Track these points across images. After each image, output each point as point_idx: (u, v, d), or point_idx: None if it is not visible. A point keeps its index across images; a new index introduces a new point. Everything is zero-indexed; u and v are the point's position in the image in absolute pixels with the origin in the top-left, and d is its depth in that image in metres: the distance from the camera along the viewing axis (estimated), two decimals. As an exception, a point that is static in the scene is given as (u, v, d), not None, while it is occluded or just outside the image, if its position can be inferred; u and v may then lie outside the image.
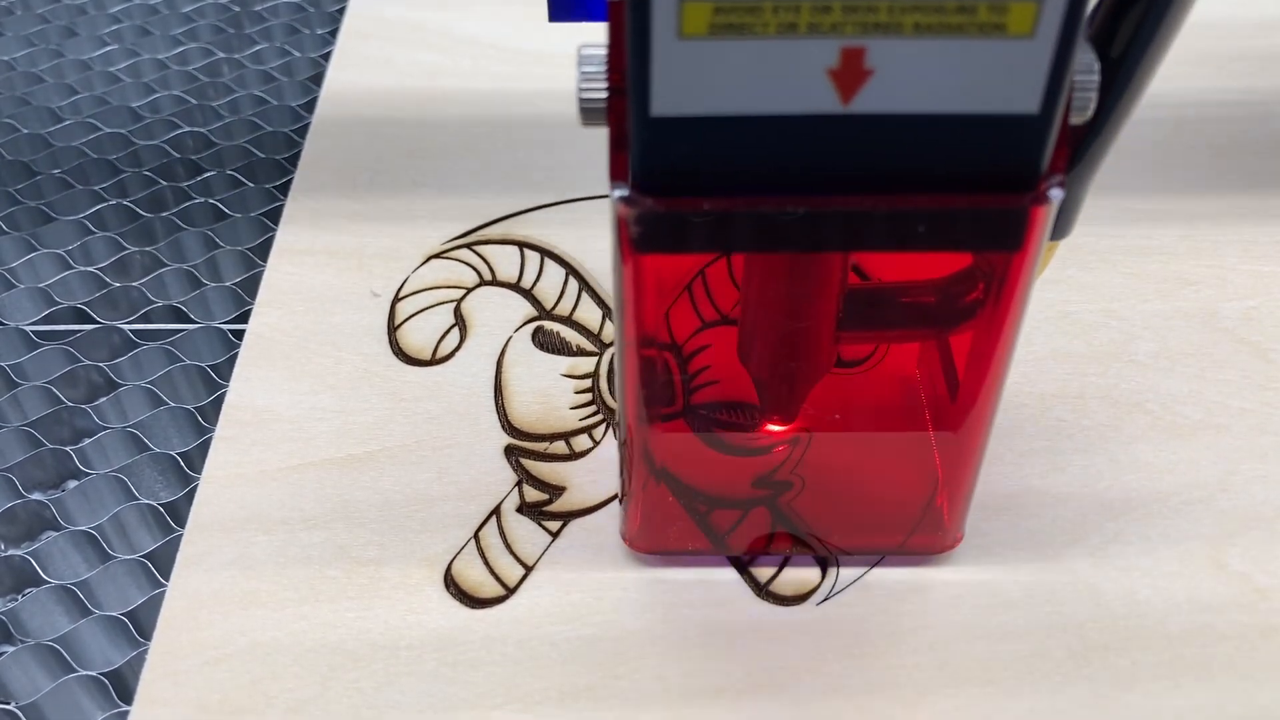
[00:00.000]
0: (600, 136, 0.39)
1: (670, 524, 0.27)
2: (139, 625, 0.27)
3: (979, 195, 0.19)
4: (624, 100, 0.18)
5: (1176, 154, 0.37)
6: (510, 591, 0.27)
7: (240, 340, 0.32)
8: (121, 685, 0.26)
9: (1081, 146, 0.21)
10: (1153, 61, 0.21)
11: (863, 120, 0.18)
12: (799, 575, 0.27)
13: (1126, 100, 0.21)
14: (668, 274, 0.23)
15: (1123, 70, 0.20)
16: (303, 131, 0.39)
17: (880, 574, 0.27)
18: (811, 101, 0.18)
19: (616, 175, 0.19)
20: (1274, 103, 0.39)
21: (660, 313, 0.23)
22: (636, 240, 0.19)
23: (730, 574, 0.27)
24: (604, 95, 0.19)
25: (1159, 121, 0.38)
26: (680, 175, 0.19)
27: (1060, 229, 0.23)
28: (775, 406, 0.26)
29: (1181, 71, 0.39)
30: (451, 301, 0.33)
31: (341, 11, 0.45)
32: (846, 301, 0.23)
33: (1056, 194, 0.19)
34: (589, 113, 0.19)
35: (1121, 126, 0.21)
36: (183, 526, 0.28)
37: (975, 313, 0.22)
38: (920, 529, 0.27)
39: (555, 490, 0.29)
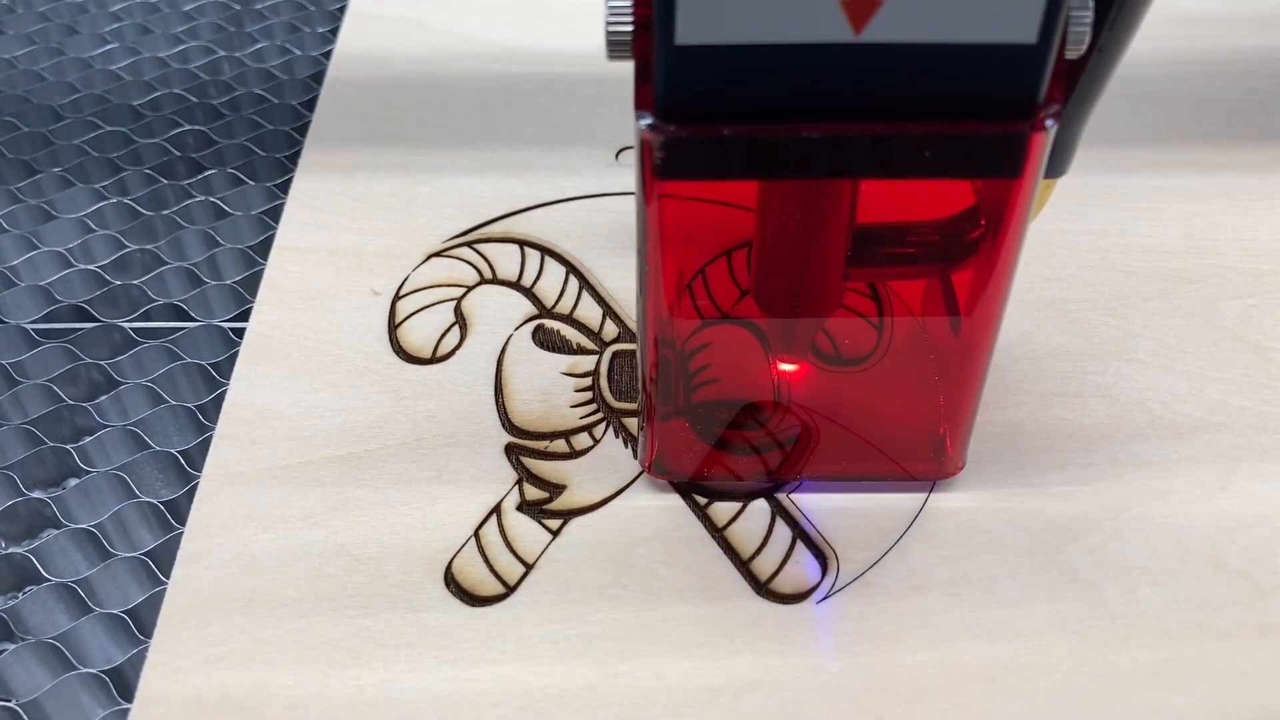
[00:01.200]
0: (598, 132, 0.39)
1: (686, 449, 0.28)
2: (139, 623, 0.27)
3: (981, 122, 0.20)
4: (648, 34, 0.20)
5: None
6: (510, 589, 0.27)
7: (241, 338, 0.32)
8: (122, 683, 0.26)
9: (1076, 84, 0.23)
10: (1142, 4, 0.22)
11: (873, 49, 0.19)
12: (799, 574, 0.27)
13: (1118, 38, 0.22)
14: (687, 215, 0.24)
15: (1115, 8, 0.22)
16: (303, 130, 0.39)
17: (878, 573, 0.27)
18: (825, 31, 0.19)
19: (641, 105, 0.20)
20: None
21: (680, 241, 0.24)
22: (660, 166, 0.21)
23: (731, 571, 0.27)
24: (630, 29, 0.20)
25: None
26: (701, 103, 0.20)
27: (1056, 167, 0.25)
28: (785, 344, 0.27)
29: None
30: (452, 300, 0.33)
31: (342, 10, 0.45)
32: (855, 239, 0.24)
33: (1053, 123, 0.20)
34: (615, 45, 0.21)
35: (1114, 67, 0.23)
36: (183, 524, 0.28)
37: (977, 249, 0.24)
38: (924, 456, 0.28)
39: (555, 488, 0.29)
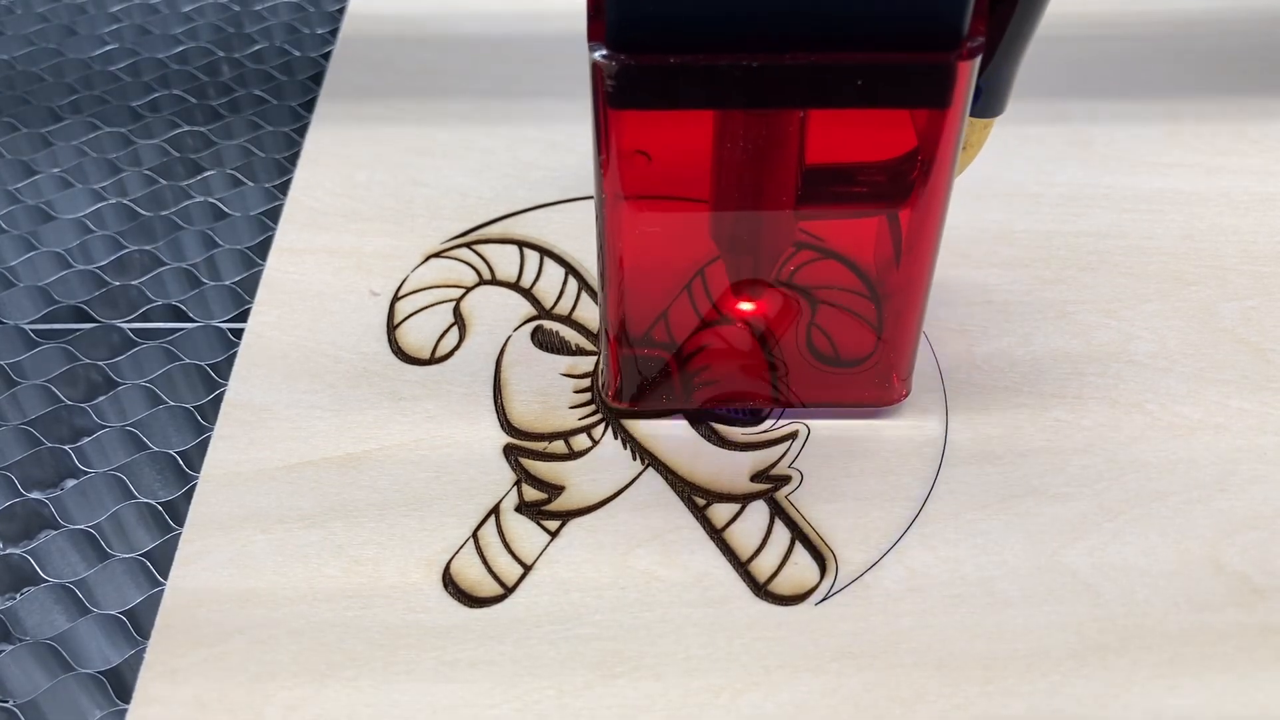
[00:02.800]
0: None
1: (645, 379, 0.29)
2: (137, 624, 0.27)
3: (911, 53, 0.22)
4: None
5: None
6: (509, 591, 0.27)
7: (239, 339, 0.32)
8: (120, 684, 0.26)
9: (1006, 23, 0.24)
10: None
11: None
12: (797, 575, 0.27)
13: None
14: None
15: None
16: (302, 131, 0.39)
17: (877, 575, 0.27)
18: None
19: (594, 37, 0.22)
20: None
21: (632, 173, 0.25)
22: (612, 94, 0.23)
23: (729, 573, 0.27)
24: None
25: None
26: (649, 33, 0.22)
27: (991, 106, 0.26)
28: (740, 279, 0.28)
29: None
30: (451, 301, 0.33)
31: (341, 11, 0.45)
32: (805, 179, 0.25)
33: (977, 54, 0.22)
34: None
35: (1042, 7, 0.24)
36: (181, 525, 0.28)
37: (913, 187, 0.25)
38: (872, 385, 0.29)
39: (554, 489, 0.29)
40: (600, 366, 0.30)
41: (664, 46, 0.22)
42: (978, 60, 0.22)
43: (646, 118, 0.24)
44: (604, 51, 0.22)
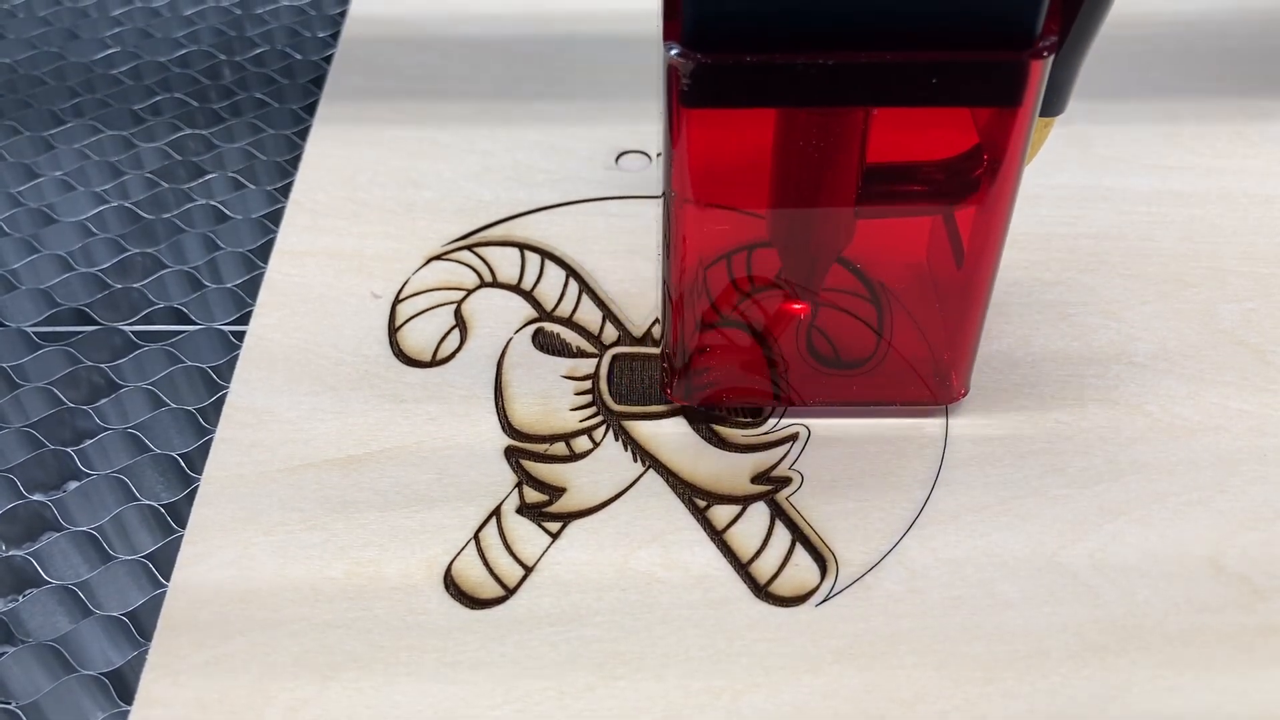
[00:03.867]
0: (598, 136, 0.39)
1: (708, 375, 0.30)
2: (139, 625, 0.27)
3: (984, 51, 0.22)
4: None
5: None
6: (510, 592, 0.27)
7: (241, 342, 0.32)
8: (122, 685, 0.26)
9: (1072, 23, 0.24)
10: None
11: None
12: (798, 576, 0.27)
13: None
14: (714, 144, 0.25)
15: None
16: (303, 134, 0.39)
17: (878, 576, 0.27)
18: None
19: (669, 37, 0.22)
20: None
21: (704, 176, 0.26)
22: (687, 93, 0.23)
23: (730, 574, 0.27)
24: None
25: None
26: (726, 33, 0.22)
27: (1054, 105, 0.26)
28: (799, 281, 0.28)
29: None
30: (452, 303, 0.33)
31: (343, 14, 0.45)
32: (866, 177, 0.25)
33: (1049, 53, 0.22)
34: None
35: (1107, 7, 0.24)
36: (183, 527, 0.28)
37: (979, 186, 0.25)
38: (929, 384, 0.29)
39: (555, 491, 0.29)
40: (663, 364, 0.30)
41: (740, 46, 0.22)
42: (1051, 59, 0.22)
43: (718, 116, 0.24)
44: (679, 50, 0.22)
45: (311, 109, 0.40)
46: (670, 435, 0.30)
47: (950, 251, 0.27)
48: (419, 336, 0.32)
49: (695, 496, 0.29)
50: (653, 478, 0.29)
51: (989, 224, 0.26)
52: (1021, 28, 0.22)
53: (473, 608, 0.27)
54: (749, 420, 0.30)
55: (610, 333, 0.32)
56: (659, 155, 0.31)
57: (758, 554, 0.27)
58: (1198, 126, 0.38)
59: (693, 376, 0.29)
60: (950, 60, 0.22)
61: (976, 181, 0.25)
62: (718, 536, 0.28)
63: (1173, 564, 0.27)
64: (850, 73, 0.22)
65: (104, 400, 0.32)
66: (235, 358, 0.32)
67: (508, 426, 0.30)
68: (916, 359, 0.29)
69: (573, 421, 0.30)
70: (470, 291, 0.34)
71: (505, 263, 0.34)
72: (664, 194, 0.26)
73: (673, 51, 0.22)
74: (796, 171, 0.25)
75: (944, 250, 0.28)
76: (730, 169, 0.26)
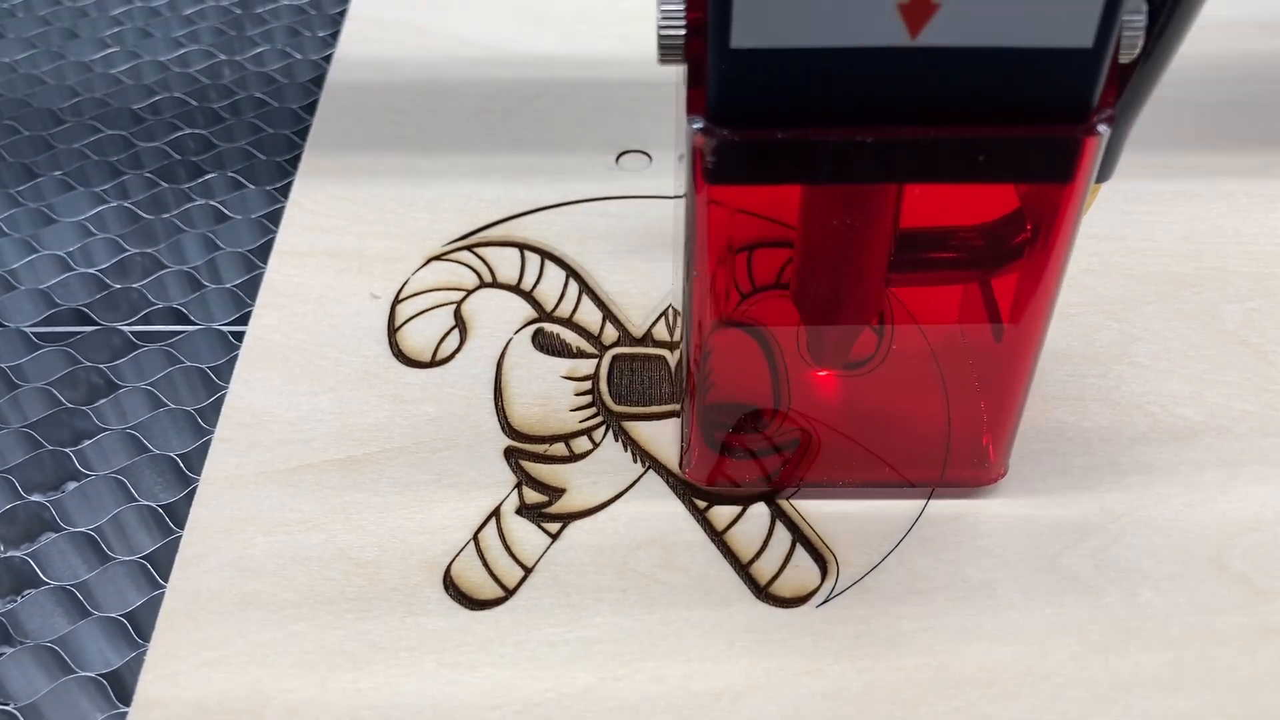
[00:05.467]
0: (598, 136, 0.39)
1: (727, 456, 0.28)
2: (138, 626, 0.27)
3: (1034, 127, 0.20)
4: (700, 38, 0.20)
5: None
6: (509, 593, 0.27)
7: (240, 342, 0.32)
8: (120, 686, 0.26)
9: (1124, 89, 0.22)
10: (1191, 11, 0.22)
11: (929, 53, 0.19)
12: (798, 577, 0.27)
13: (1168, 44, 0.22)
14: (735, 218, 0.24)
15: (1165, 14, 0.22)
16: (303, 134, 0.39)
17: (878, 577, 0.27)
18: (881, 35, 0.19)
19: (693, 109, 0.20)
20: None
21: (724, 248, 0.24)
22: (711, 170, 0.21)
23: (730, 575, 0.27)
24: (683, 32, 0.20)
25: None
26: (754, 106, 0.20)
27: (1103, 171, 0.24)
28: (823, 351, 0.27)
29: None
30: (452, 303, 0.33)
31: (342, 14, 0.45)
32: (898, 244, 0.24)
33: (1105, 128, 0.20)
34: (667, 49, 0.20)
35: (1161, 73, 0.23)
36: (182, 528, 0.28)
37: (1022, 253, 0.23)
38: (966, 463, 0.28)
39: (555, 492, 0.29)
40: (682, 445, 0.28)
41: (769, 120, 0.20)
42: (1107, 134, 0.20)
43: (744, 190, 0.23)
44: (703, 124, 0.20)
45: (311, 108, 0.40)
46: (670, 436, 0.30)
47: (987, 322, 0.26)
48: (418, 337, 0.32)
49: (695, 497, 0.28)
50: (652, 478, 0.29)
51: (1036, 299, 0.24)
52: (1077, 101, 0.20)
53: (472, 608, 0.26)
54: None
55: (610, 333, 0.32)
56: (679, 157, 0.30)
57: (758, 555, 0.27)
58: (1199, 125, 0.38)
59: (713, 454, 0.28)
60: (1000, 137, 0.20)
61: (1018, 249, 0.23)
62: (718, 537, 0.28)
63: (1175, 565, 0.27)
64: (889, 150, 0.20)
65: (103, 401, 0.32)
66: (234, 358, 0.32)
67: (507, 427, 0.30)
68: (953, 437, 0.28)
69: (572, 422, 0.30)
70: (470, 292, 0.33)
71: (505, 263, 0.34)
72: (684, 265, 0.24)
73: (696, 126, 0.20)
74: (823, 241, 0.24)
75: (980, 322, 0.26)
76: (754, 242, 0.24)
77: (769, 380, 0.27)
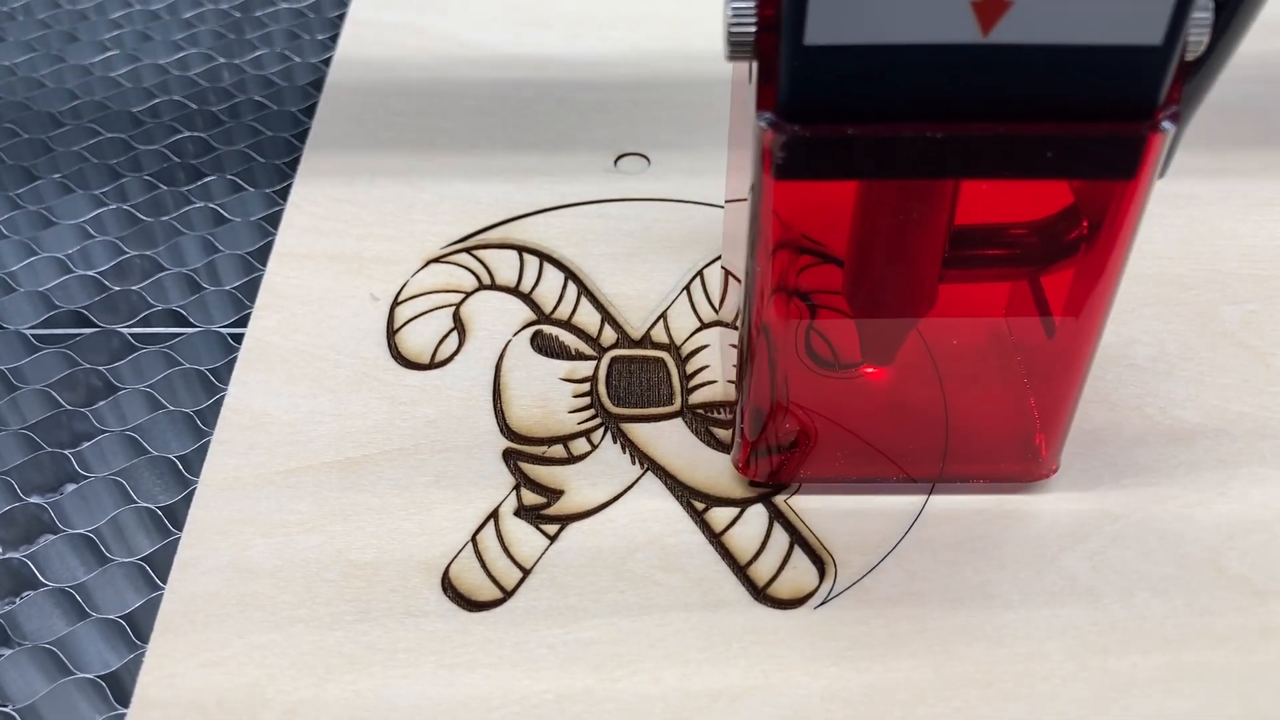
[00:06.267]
0: (597, 138, 0.39)
1: (780, 452, 0.28)
2: (136, 628, 0.27)
3: (1101, 123, 0.20)
4: (770, 34, 0.20)
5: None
6: (508, 594, 0.27)
7: (239, 344, 0.32)
8: (119, 688, 0.26)
9: (1186, 87, 0.23)
10: (1254, 7, 0.22)
11: (1000, 50, 0.20)
12: (797, 579, 0.27)
13: (1230, 41, 0.23)
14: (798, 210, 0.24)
15: (1228, 12, 0.22)
16: (302, 136, 0.39)
17: (876, 578, 0.27)
18: (954, 31, 0.19)
19: (763, 105, 0.21)
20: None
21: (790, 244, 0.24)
22: (780, 165, 0.21)
23: (728, 577, 0.27)
24: (753, 29, 0.20)
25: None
26: (825, 103, 0.20)
27: (1161, 167, 0.25)
28: (874, 349, 0.27)
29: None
30: (450, 306, 0.33)
31: (341, 17, 0.45)
32: (953, 240, 0.24)
33: (1170, 124, 0.21)
34: (737, 45, 0.21)
35: (1221, 70, 0.23)
36: (180, 530, 0.28)
37: (1077, 249, 0.24)
38: (1017, 458, 0.28)
39: (553, 494, 0.29)
40: (735, 437, 0.28)
41: (839, 116, 0.20)
42: (1172, 131, 0.21)
43: (811, 186, 0.23)
44: (773, 119, 0.21)
45: (310, 111, 0.40)
46: (668, 438, 0.30)
47: (1038, 319, 0.26)
48: (417, 339, 0.32)
49: (693, 499, 0.29)
50: (651, 480, 0.29)
51: (1094, 295, 0.24)
52: (1144, 98, 0.20)
53: (470, 610, 0.26)
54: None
55: (609, 335, 0.32)
56: (727, 152, 0.29)
57: (756, 556, 0.27)
58: (1196, 127, 0.38)
59: (772, 452, 0.28)
60: (1068, 134, 0.21)
61: (1072, 245, 0.24)
62: (716, 539, 0.28)
63: (1173, 566, 0.27)
64: (957, 146, 0.21)
65: (102, 403, 0.32)
66: (233, 360, 0.32)
67: (506, 429, 0.30)
68: (1005, 430, 0.28)
69: (571, 424, 0.30)
70: (469, 294, 0.33)
71: (504, 265, 0.34)
72: (747, 261, 0.24)
73: (765, 122, 0.21)
74: (879, 237, 0.24)
75: (1030, 315, 0.26)
76: (818, 238, 0.24)
77: (823, 377, 0.28)
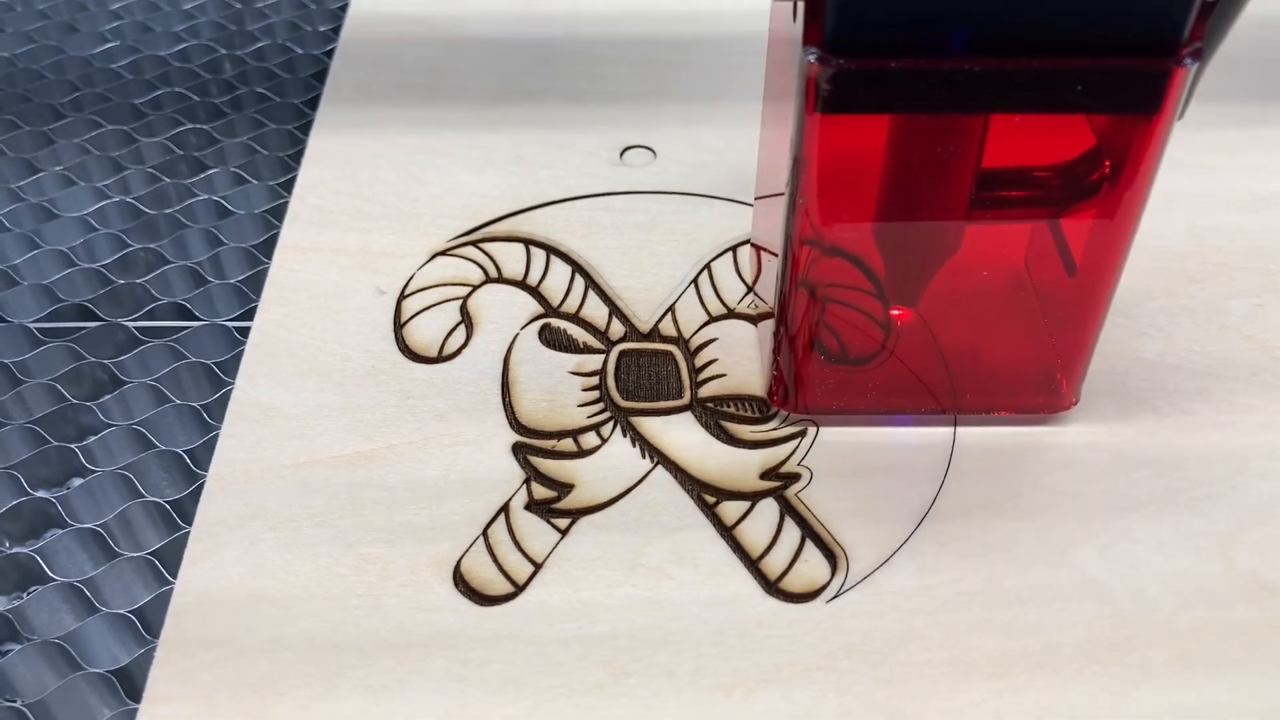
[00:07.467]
0: (606, 133, 0.39)
1: (814, 382, 0.29)
2: (146, 623, 0.27)
3: (1128, 58, 0.22)
4: None
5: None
6: (519, 589, 0.27)
7: (245, 337, 0.32)
8: (129, 683, 0.26)
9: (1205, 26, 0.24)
10: None
11: None
12: (808, 573, 0.27)
13: None
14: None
15: None
16: (306, 128, 0.39)
17: (888, 572, 0.27)
18: None
19: (809, 41, 0.22)
20: None
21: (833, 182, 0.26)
22: (826, 98, 0.23)
23: (740, 571, 0.27)
24: None
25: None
26: (869, 38, 0.22)
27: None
28: (901, 289, 0.28)
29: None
30: (458, 299, 0.33)
31: (344, 8, 0.44)
32: (980, 182, 0.25)
33: (1193, 61, 0.22)
34: None
35: (1237, 15, 0.24)
36: (189, 524, 0.28)
37: (1098, 190, 0.25)
38: (1038, 390, 0.29)
39: (564, 488, 0.29)
40: (773, 372, 0.29)
41: (882, 51, 0.22)
42: (1195, 67, 0.22)
43: (852, 122, 0.24)
44: (819, 54, 0.22)
45: (314, 103, 0.40)
46: (678, 431, 0.30)
47: (1057, 256, 0.27)
48: (425, 332, 0.32)
49: (704, 493, 0.28)
50: (661, 474, 0.29)
51: (1118, 231, 0.25)
52: (1169, 33, 0.22)
53: (482, 604, 0.26)
54: (757, 416, 0.30)
55: (617, 328, 0.32)
56: (762, 106, 0.31)
57: (768, 550, 0.27)
58: (1203, 122, 0.38)
59: (808, 386, 0.29)
60: (1097, 68, 0.22)
61: (1094, 186, 0.25)
62: (727, 533, 0.28)
63: (1183, 560, 0.27)
64: (992, 80, 0.22)
65: (108, 396, 0.31)
66: (240, 354, 0.32)
67: (515, 422, 0.30)
68: (1026, 366, 0.29)
69: (580, 418, 0.30)
70: (476, 287, 0.33)
71: (510, 258, 0.34)
72: (788, 200, 0.25)
73: (811, 56, 0.22)
74: (914, 178, 0.25)
75: (1049, 255, 0.27)
76: (859, 176, 0.25)
77: (857, 313, 0.29)
